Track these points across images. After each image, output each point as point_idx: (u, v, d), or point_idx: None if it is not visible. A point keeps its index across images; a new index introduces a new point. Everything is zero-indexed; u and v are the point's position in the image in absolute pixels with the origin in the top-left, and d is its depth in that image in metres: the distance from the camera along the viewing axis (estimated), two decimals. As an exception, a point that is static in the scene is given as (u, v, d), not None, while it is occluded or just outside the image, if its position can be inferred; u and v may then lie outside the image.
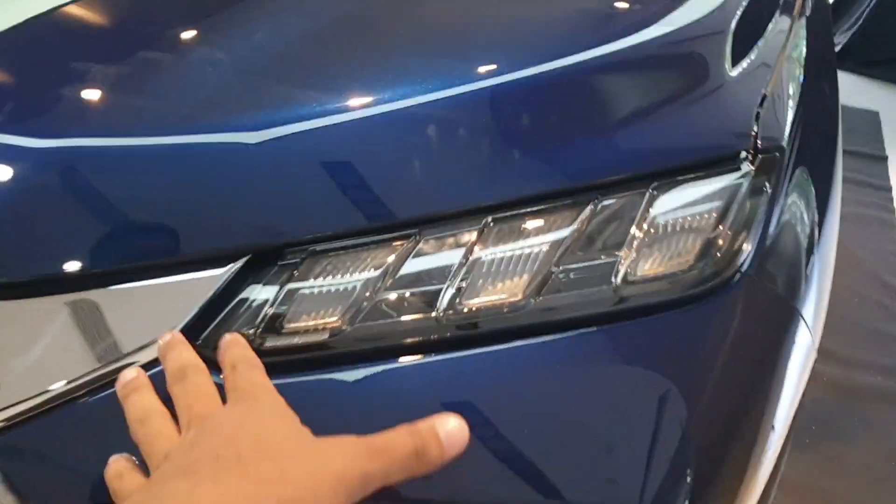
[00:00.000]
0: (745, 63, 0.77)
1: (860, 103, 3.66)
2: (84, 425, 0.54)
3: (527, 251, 0.60)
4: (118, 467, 0.51)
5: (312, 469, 0.44)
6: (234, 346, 0.53)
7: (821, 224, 0.80)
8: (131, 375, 0.52)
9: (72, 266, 0.54)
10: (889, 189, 3.03)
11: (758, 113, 0.71)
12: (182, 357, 0.52)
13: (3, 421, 0.53)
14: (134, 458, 0.51)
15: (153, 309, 0.54)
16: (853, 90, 3.76)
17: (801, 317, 0.70)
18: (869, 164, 3.18)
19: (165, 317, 0.54)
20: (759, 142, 0.68)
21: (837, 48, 3.82)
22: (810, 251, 0.75)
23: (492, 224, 0.60)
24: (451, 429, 0.48)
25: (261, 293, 0.56)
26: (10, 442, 0.53)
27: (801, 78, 0.90)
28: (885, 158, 3.25)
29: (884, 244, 2.69)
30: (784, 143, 0.71)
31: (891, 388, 2.00)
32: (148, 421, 0.49)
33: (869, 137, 3.41)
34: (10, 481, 0.52)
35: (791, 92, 0.85)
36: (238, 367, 0.52)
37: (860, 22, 3.93)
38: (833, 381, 2.00)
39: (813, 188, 0.80)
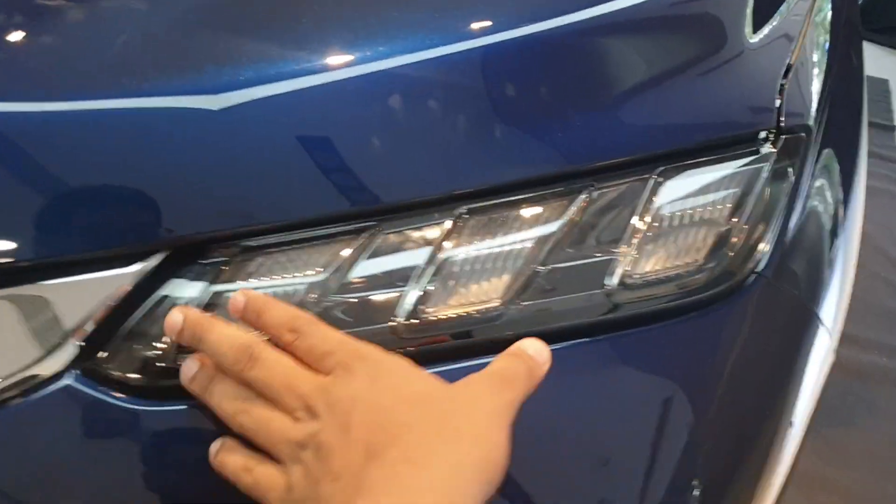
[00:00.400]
0: (767, 29, 0.66)
1: (869, 71, 3.54)
2: None
3: (507, 248, 0.50)
4: (242, 460, 0.43)
5: (472, 415, 0.42)
6: (269, 308, 0.45)
7: (845, 214, 0.71)
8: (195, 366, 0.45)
9: None
10: (898, 160, 2.95)
11: (782, 85, 0.61)
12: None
13: None
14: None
15: (44, 317, 0.45)
16: (864, 57, 3.64)
17: (820, 321, 0.61)
18: (878, 134, 3.10)
19: (56, 328, 0.45)
20: (782, 119, 0.58)
21: (848, 13, 3.71)
22: (833, 247, 0.65)
23: (466, 215, 0.50)
24: (537, 347, 0.46)
25: (178, 299, 0.47)
26: None
27: (827, 45, 0.79)
28: (893, 128, 3.16)
29: (892, 218, 2.61)
30: (811, 122, 0.62)
31: None
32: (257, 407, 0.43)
33: (878, 106, 3.33)
34: None
35: (816, 60, 0.75)
36: (301, 327, 0.44)
37: (872, -15, 3.83)
38: (838, 362, 1.93)
39: (839, 173, 0.71)
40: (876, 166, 2.92)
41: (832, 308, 0.66)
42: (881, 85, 3.54)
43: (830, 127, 0.68)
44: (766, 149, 0.57)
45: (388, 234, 0.49)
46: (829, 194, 0.65)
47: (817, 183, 0.62)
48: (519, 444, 0.43)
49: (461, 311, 0.49)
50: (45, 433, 0.45)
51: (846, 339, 2.03)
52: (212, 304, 0.47)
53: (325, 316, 0.47)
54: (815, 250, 0.62)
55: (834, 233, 0.66)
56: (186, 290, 0.47)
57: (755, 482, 0.58)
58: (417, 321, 0.48)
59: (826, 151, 0.65)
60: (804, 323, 0.59)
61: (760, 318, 0.56)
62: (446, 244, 0.49)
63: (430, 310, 0.49)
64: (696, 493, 0.52)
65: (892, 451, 1.72)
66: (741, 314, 0.55)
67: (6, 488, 0.44)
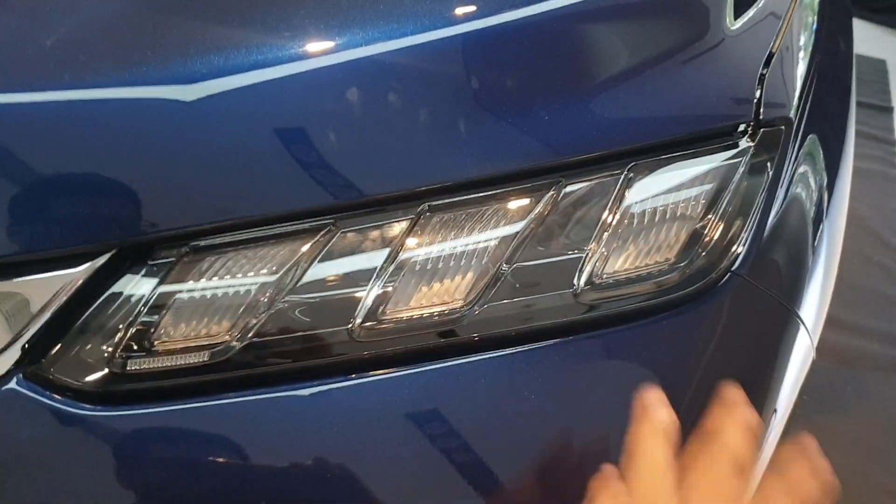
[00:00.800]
0: (750, 13, 0.64)
1: (867, 51, 3.52)
2: None
3: (471, 247, 0.48)
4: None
5: None
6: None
7: (828, 208, 0.69)
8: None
9: None
10: (893, 143, 2.92)
11: (762, 75, 0.59)
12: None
13: None
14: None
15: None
16: (860, 37, 3.59)
17: (801, 321, 0.59)
18: (874, 115, 3.07)
19: (1, 329, 0.43)
20: (761, 111, 0.56)
21: (846, -7, 3.67)
22: (815, 243, 0.63)
23: (428, 213, 0.48)
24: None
25: (125, 301, 0.45)
26: None
27: (815, 27, 0.77)
28: (890, 109, 3.13)
29: (887, 201, 2.59)
30: (792, 114, 0.60)
31: (887, 356, 1.92)
32: None
33: (875, 87, 3.30)
34: None
35: (802, 44, 0.73)
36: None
37: (871, -36, 3.80)
38: (828, 348, 1.93)
39: (823, 159, 0.69)
40: (872, 148, 2.89)
41: (813, 306, 0.64)
42: (879, 66, 3.51)
43: (815, 113, 0.66)
44: (744, 142, 0.56)
45: (347, 232, 0.47)
46: (812, 182, 0.63)
47: (800, 171, 0.61)
48: (494, 444, 0.42)
49: (423, 312, 0.47)
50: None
51: (837, 325, 2.04)
52: (159, 306, 0.45)
53: (280, 317, 0.46)
54: (795, 246, 0.60)
55: (817, 224, 0.65)
56: (135, 289, 0.45)
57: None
58: (377, 323, 0.47)
59: (810, 138, 0.63)
60: (783, 323, 0.58)
61: (736, 320, 0.54)
62: (408, 242, 0.48)
63: (390, 311, 0.47)
64: None
65: (881, 436, 1.72)
66: (716, 315, 0.53)
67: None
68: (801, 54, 0.70)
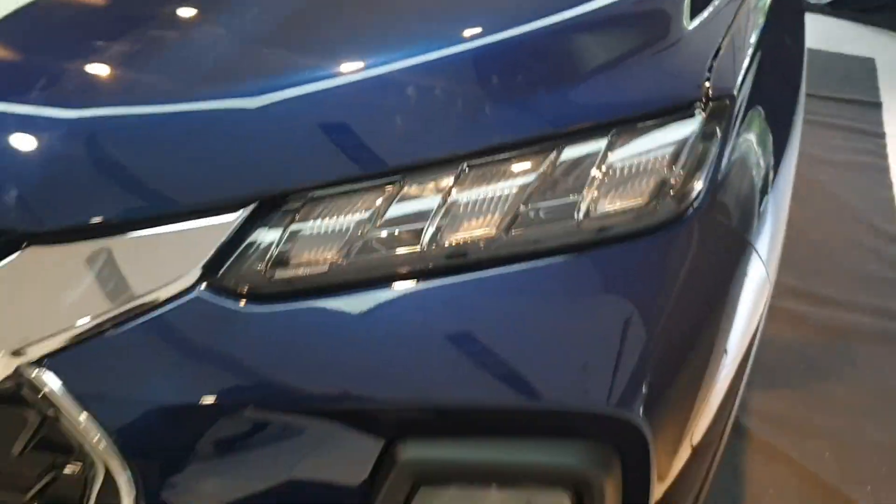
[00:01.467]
0: (704, 14, 0.84)
1: (856, 51, 3.67)
2: (121, 352, 0.63)
3: (498, 193, 0.68)
4: None
5: None
6: None
7: (777, 164, 0.88)
8: None
9: (100, 216, 0.63)
10: (882, 136, 3.05)
11: (711, 64, 0.78)
12: None
13: (58, 344, 0.62)
14: None
15: (176, 251, 0.63)
16: (849, 37, 3.78)
17: (755, 249, 0.78)
18: (863, 111, 3.19)
19: (187, 257, 0.63)
20: (710, 91, 0.76)
21: (832, -2, 3.85)
22: (765, 189, 0.82)
23: (467, 170, 0.68)
24: None
25: (267, 235, 0.65)
26: (66, 361, 0.63)
27: (762, 26, 0.96)
28: (879, 105, 3.26)
29: (877, 191, 2.70)
30: (735, 91, 0.79)
31: (878, 326, 2.03)
32: None
33: (864, 84, 3.43)
34: (73, 392, 0.62)
35: (751, 41, 0.92)
36: None
37: (855, -32, 3.96)
38: (821, 323, 2.04)
39: (770, 130, 0.88)
40: (863, 142, 3.01)
41: (766, 239, 0.82)
42: (867, 63, 3.62)
43: (758, 93, 0.85)
44: (699, 113, 0.75)
45: (412, 184, 0.67)
46: (755, 143, 0.82)
47: (745, 135, 0.80)
48: (500, 340, 0.61)
49: (467, 238, 0.67)
50: (183, 335, 0.63)
51: (831, 303, 2.18)
52: (291, 236, 0.65)
53: (370, 245, 0.65)
54: (744, 190, 0.79)
55: (765, 176, 0.83)
56: (274, 226, 0.65)
57: (699, 374, 0.74)
58: (436, 246, 0.66)
59: (753, 110, 0.83)
60: (738, 246, 0.77)
61: (700, 242, 0.73)
62: (454, 191, 0.67)
63: (445, 238, 0.66)
64: (644, 391, 0.68)
65: (874, 399, 1.83)
66: (683, 239, 0.72)
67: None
68: (749, 48, 0.90)
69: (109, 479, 0.64)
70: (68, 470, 0.68)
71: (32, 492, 0.67)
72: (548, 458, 0.67)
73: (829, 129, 2.97)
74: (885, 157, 2.92)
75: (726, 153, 0.76)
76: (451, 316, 0.65)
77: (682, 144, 0.72)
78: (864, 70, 3.56)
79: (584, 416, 0.66)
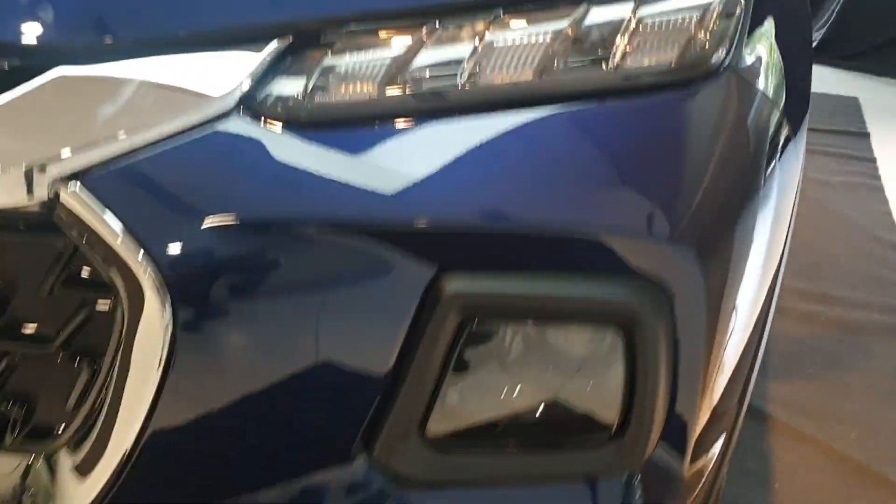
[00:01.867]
0: None
1: (841, 91, 3.84)
2: (157, 173, 0.63)
3: (532, 39, 0.69)
4: None
5: None
6: None
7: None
8: None
9: (134, 35, 0.64)
10: (874, 160, 3.19)
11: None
12: None
13: (93, 160, 0.62)
14: None
15: (213, 76, 0.63)
16: (833, 81, 3.95)
17: (780, 111, 0.79)
18: (854, 141, 3.36)
19: (224, 83, 0.63)
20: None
21: (815, 43, 3.99)
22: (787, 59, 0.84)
23: (503, 16, 0.69)
24: None
25: (304, 64, 0.65)
26: (102, 180, 0.62)
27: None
28: (867, 134, 3.42)
29: (874, 205, 2.82)
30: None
31: (889, 322, 2.09)
32: None
33: (851, 118, 3.61)
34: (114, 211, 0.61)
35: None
36: None
37: (833, 17, 4.14)
38: (834, 320, 2.09)
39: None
40: (856, 166, 3.15)
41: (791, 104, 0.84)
42: (852, 102, 3.82)
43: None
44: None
45: (449, 27, 0.68)
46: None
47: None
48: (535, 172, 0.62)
49: (502, 79, 0.68)
50: (223, 157, 0.64)
51: (840, 302, 2.21)
52: (328, 68, 0.66)
53: (407, 80, 0.66)
54: (766, 59, 0.81)
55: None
56: (311, 58, 0.66)
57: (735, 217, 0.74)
58: (472, 85, 0.67)
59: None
60: (766, 108, 0.78)
61: (728, 101, 0.74)
62: (488, 34, 0.68)
63: (481, 76, 0.67)
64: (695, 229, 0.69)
65: (891, 384, 1.87)
66: (712, 96, 0.73)
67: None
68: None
69: (140, 314, 0.63)
70: (100, 307, 0.66)
71: (68, 330, 0.66)
72: (599, 292, 0.66)
73: (823, 156, 3.11)
74: (878, 178, 3.05)
75: (747, 22, 0.78)
76: (485, 153, 0.66)
77: (708, 9, 0.74)
78: (850, 107, 3.73)
79: (636, 249, 0.66)
